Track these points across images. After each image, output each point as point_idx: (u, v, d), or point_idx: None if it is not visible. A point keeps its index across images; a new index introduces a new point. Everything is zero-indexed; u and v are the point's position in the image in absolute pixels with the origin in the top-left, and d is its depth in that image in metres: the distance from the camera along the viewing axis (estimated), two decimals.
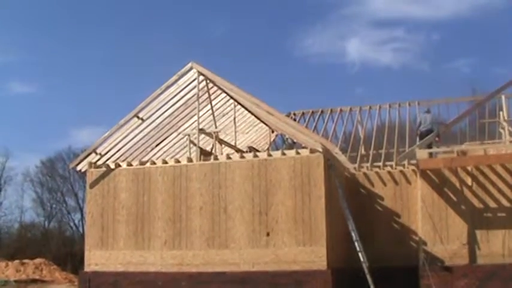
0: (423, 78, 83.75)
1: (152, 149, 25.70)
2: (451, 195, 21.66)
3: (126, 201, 22.02)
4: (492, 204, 21.52)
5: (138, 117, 23.17)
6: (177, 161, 21.99)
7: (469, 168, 21.77)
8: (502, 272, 20.36)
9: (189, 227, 21.04)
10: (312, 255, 19.56)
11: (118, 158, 23.89)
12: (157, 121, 24.05)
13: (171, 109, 23.84)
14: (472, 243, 21.34)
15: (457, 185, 21.71)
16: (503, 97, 26.97)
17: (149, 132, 24.38)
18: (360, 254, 20.31)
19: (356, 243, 20.48)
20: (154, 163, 22.23)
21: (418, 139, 23.89)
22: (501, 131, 27.21)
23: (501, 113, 27.09)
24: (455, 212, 21.50)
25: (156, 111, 23.51)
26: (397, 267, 21.74)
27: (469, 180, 21.75)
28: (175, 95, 23.31)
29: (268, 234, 20.13)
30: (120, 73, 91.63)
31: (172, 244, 21.14)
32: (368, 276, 19.76)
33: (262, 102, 21.84)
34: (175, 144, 26.58)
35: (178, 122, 24.85)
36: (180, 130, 25.19)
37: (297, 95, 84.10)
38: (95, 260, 22.14)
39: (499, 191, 21.57)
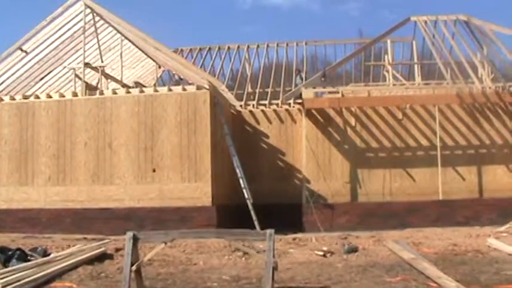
0: (313, 19, 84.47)
1: (36, 83, 25.07)
2: (335, 135, 22.19)
3: (8, 136, 21.39)
4: (374, 145, 22.20)
5: (21, 50, 22.55)
6: (62, 96, 21.44)
7: (353, 108, 22.29)
8: (380, 210, 21.17)
9: (73, 162, 20.70)
10: (197, 192, 19.71)
11: (0, 92, 23.14)
12: (42, 54, 23.50)
13: (56, 42, 23.29)
14: (353, 182, 22.00)
15: (341, 125, 22.24)
16: (388, 41, 27.58)
17: (33, 66, 23.81)
18: (244, 191, 20.59)
19: (241, 180, 20.71)
20: (38, 97, 21.60)
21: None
22: (385, 74, 27.94)
23: (386, 56, 27.77)
24: (338, 151, 22.07)
25: (40, 44, 22.93)
26: (282, 204, 22.06)
27: (352, 121, 22.30)
28: (61, 28, 22.77)
29: (154, 171, 20.10)
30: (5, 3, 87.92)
31: (56, 180, 20.78)
32: (252, 213, 20.07)
33: (150, 37, 21.59)
34: (60, 78, 26.06)
35: (63, 55, 24.33)
36: (65, 64, 24.62)
37: (186, 30, 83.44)
38: None
39: (381, 132, 22.26)
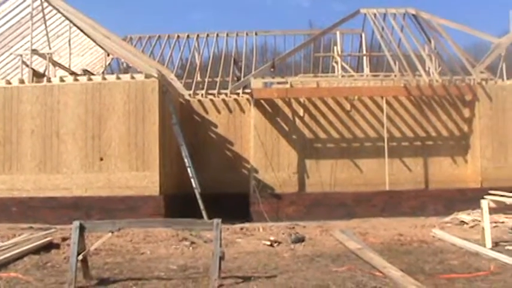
0: (264, 9, 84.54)
1: None
2: (284, 125, 22.28)
3: None
4: (322, 135, 22.36)
5: None
6: (8, 82, 21.04)
7: (301, 99, 22.40)
8: (326, 200, 21.33)
9: (20, 151, 20.34)
10: (145, 181, 19.61)
11: None
12: None
13: (2, 28, 22.96)
14: (301, 172, 22.14)
15: (290, 115, 22.34)
16: (338, 33, 27.82)
17: None
18: (192, 180, 20.53)
19: (189, 170, 20.63)
20: None
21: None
22: (334, 65, 28.14)
23: (335, 47, 27.96)
24: (286, 141, 22.17)
25: None
26: (230, 193, 21.99)
27: (301, 111, 22.41)
28: (8, 13, 22.43)
29: (101, 159, 19.93)
30: None
31: (2, 168, 20.37)
32: (200, 202, 20.02)
33: (99, 25, 21.38)
34: (6, 64, 25.64)
35: (10, 41, 23.96)
36: (12, 50, 24.23)
37: (135, 18, 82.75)
38: None
39: (329, 123, 22.42)
